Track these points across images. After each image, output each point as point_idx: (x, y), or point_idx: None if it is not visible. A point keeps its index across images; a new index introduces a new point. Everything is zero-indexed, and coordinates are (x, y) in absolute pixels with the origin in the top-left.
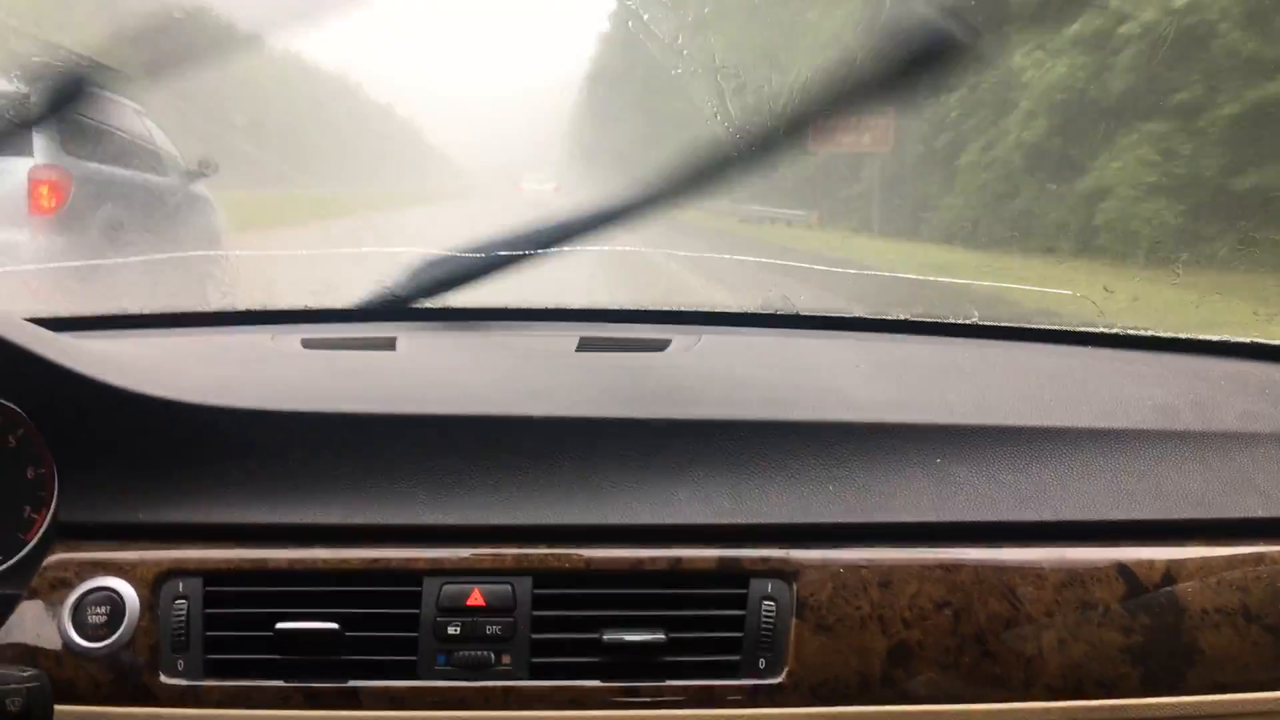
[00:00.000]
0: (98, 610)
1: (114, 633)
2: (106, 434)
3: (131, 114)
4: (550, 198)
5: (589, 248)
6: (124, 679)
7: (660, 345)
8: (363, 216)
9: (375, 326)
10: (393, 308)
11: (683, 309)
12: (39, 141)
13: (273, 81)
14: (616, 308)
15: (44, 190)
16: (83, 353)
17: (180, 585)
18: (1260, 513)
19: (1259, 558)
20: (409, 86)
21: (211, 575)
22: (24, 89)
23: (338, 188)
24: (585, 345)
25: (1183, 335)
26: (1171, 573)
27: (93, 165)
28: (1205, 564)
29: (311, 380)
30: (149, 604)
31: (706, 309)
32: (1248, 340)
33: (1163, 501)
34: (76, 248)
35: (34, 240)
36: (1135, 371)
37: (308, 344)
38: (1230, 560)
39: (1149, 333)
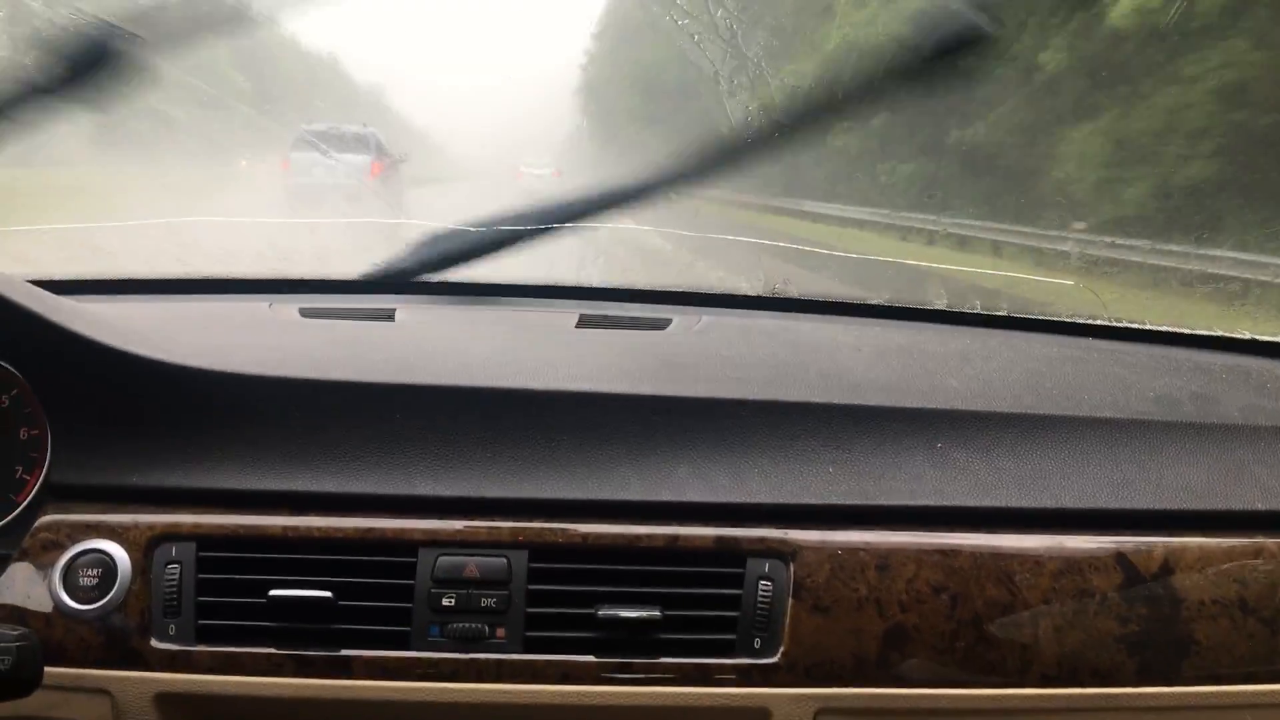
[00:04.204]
0: (89, 573)
1: (105, 595)
2: (101, 396)
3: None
4: (551, 184)
5: (589, 225)
6: (114, 642)
7: (661, 324)
8: None
9: (374, 298)
10: (392, 280)
11: (683, 290)
12: (371, 146)
13: (269, 60)
14: (616, 287)
15: (375, 168)
16: (80, 314)
17: (173, 550)
18: (1260, 505)
19: (1257, 550)
20: (395, 68)
21: (205, 540)
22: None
23: None
24: (585, 322)
25: (1183, 330)
26: (1169, 563)
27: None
28: (1203, 555)
29: (310, 348)
30: (141, 568)
31: (707, 290)
32: (1248, 336)
33: (1162, 492)
34: (380, 197)
35: (367, 187)
36: (1136, 363)
37: (306, 313)
38: (1229, 552)
39: (1149, 326)
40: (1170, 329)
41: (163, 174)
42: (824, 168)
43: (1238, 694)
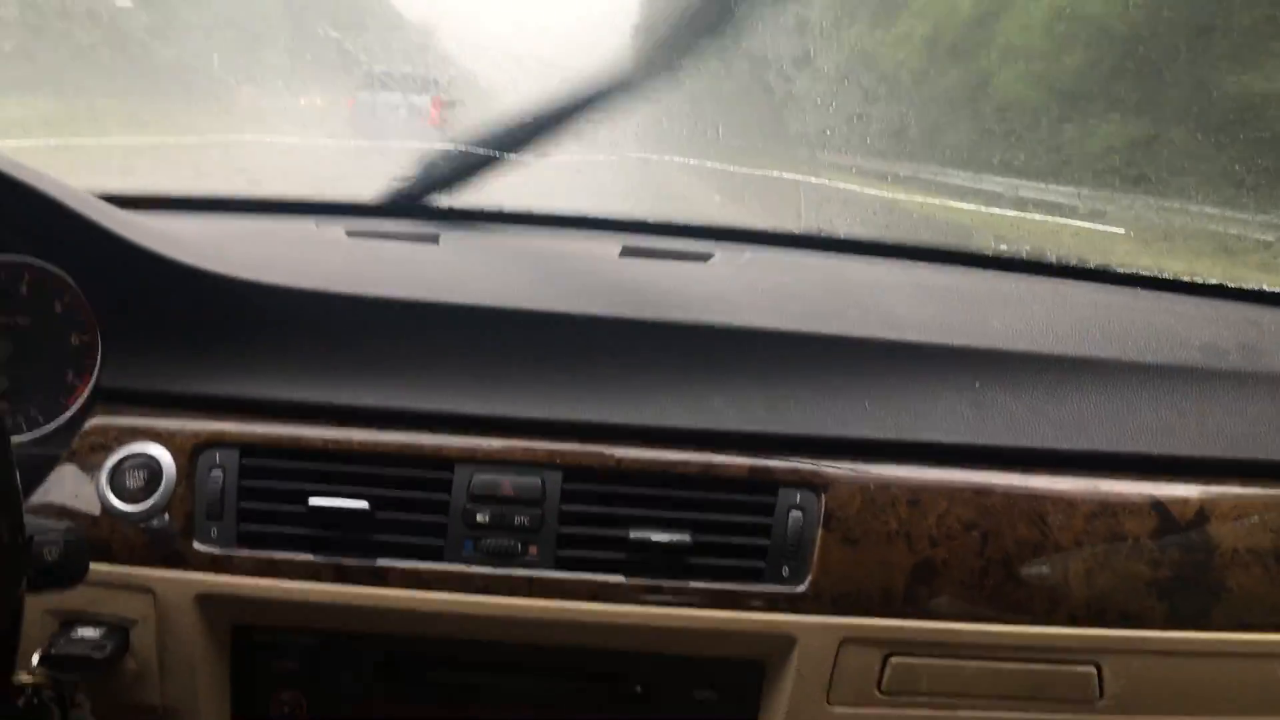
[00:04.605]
0: (135, 475)
1: (150, 498)
2: (152, 303)
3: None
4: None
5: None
6: (158, 543)
7: (703, 257)
8: None
9: (419, 224)
10: (437, 206)
11: (727, 226)
12: (431, 89)
13: None
14: (659, 220)
15: (434, 113)
16: (133, 224)
17: (217, 456)
18: None
19: None
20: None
21: (248, 448)
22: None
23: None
24: (627, 252)
25: (1232, 284)
26: (1205, 510)
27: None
28: (1240, 504)
29: (355, 266)
30: (186, 472)
31: (751, 227)
32: None
33: (1203, 439)
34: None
35: (426, 126)
36: (1184, 313)
37: (352, 233)
38: (1266, 502)
39: (1199, 279)
40: (1218, 283)
41: (216, 99)
42: (969, 126)
43: (1268, 643)
